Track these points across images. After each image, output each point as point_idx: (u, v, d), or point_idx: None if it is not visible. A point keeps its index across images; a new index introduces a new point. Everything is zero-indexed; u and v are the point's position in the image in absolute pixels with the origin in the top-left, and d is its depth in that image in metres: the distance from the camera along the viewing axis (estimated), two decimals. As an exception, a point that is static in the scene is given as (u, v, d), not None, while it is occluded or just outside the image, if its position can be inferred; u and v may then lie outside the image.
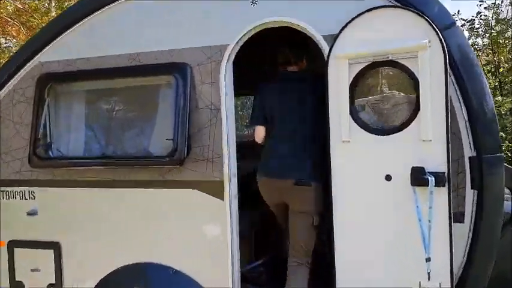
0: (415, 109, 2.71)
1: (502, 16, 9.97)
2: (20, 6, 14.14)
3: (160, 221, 3.29)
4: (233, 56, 3.19)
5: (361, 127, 2.83)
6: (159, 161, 3.27)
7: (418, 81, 2.68)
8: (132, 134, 3.48)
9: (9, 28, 13.92)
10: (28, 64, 3.65)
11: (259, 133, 3.30)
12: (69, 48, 3.54)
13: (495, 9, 9.84)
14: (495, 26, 9.71)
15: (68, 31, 3.54)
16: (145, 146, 3.41)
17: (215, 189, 3.18)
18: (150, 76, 3.37)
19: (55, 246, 3.57)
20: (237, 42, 3.16)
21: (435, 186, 2.61)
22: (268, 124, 3.24)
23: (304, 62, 3.38)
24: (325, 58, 2.92)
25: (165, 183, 3.31)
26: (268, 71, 3.75)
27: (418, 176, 2.66)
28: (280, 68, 3.39)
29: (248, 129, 6.23)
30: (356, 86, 2.84)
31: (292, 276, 3.18)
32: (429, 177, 2.62)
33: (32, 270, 3.66)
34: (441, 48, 2.64)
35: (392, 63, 2.75)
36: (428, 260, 2.63)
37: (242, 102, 8.43)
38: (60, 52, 3.57)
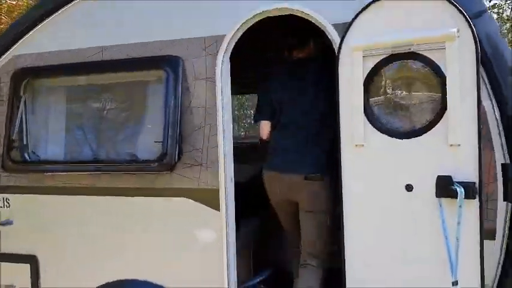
0: (441, 109, 2.35)
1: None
2: (13, 2, 13.77)
3: (149, 234, 2.97)
4: (231, 48, 2.82)
5: (378, 129, 2.47)
6: (147, 167, 2.91)
7: (445, 77, 2.31)
8: (117, 136, 3.12)
9: (1, 26, 13.55)
10: (1, 58, 3.27)
11: (265, 129, 3.08)
12: (45, 40, 3.17)
13: (497, 9, 9.58)
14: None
15: (44, 22, 3.17)
16: (132, 150, 3.04)
17: (210, 198, 2.85)
18: (137, 71, 3.01)
19: (32, 260, 3.24)
20: (235, 33, 2.79)
21: (465, 198, 2.25)
22: (276, 116, 3.01)
23: (311, 46, 3.07)
24: (336, 50, 2.56)
25: (153, 191, 2.96)
26: (273, 60, 3.41)
27: (445, 187, 2.30)
28: (286, 55, 3.11)
29: (246, 131, 5.86)
30: (372, 82, 2.48)
31: (301, 277, 2.98)
32: (458, 188, 2.26)
33: (7, 286, 3.31)
34: (472, 38, 2.27)
35: (414, 56, 2.38)
36: (455, 284, 2.26)
37: (240, 102, 8.08)
38: (34, 45, 3.20)
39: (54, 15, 3.18)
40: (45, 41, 3.18)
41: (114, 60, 3.04)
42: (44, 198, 3.22)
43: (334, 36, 2.59)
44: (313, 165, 2.89)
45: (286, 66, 3.12)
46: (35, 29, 3.22)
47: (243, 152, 3.52)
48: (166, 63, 2.89)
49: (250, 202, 3.63)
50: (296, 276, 3.09)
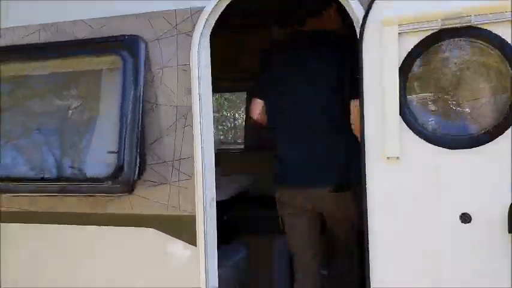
0: (515, 107, 1.64)
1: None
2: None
3: (102, 274, 2.28)
4: (211, 25, 2.08)
5: (420, 136, 1.76)
6: (97, 187, 2.14)
7: (520, 61, 1.61)
8: (59, 144, 2.32)
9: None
10: None
11: (256, 108, 2.47)
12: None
13: None
14: None
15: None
16: (78, 163, 2.25)
17: (183, 229, 2.15)
18: (85, 57, 2.23)
19: None
20: (218, 3, 2.05)
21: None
22: (275, 109, 2.42)
23: (325, 14, 2.40)
24: (358, 26, 1.84)
25: (106, 219, 2.23)
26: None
27: (523, 219, 1.59)
28: (290, 29, 2.54)
29: (230, 134, 5.21)
30: (411, 70, 1.76)
31: None
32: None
33: None
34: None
35: (474, 32, 1.68)
36: None
37: (218, 103, 7.26)
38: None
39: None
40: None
41: (55, 43, 2.30)
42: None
43: (354, 6, 1.87)
44: (339, 173, 2.30)
45: (291, 41, 2.50)
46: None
47: (225, 160, 3.04)
48: (122, 46, 2.15)
49: (235, 226, 2.91)
50: None
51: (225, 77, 4.00)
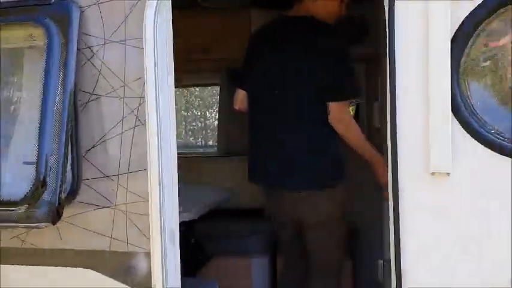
0: None
1: None
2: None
3: None
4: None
5: (483, 143, 1.19)
6: (12, 214, 1.51)
7: None
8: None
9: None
10: None
11: (237, 98, 2.28)
12: None
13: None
14: None
15: None
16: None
17: (133, 270, 1.55)
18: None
19: None
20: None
21: None
22: (251, 102, 2.24)
23: None
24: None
25: (26, 257, 1.54)
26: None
27: None
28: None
29: (200, 135, 4.74)
30: (466, 44, 1.20)
31: None
32: None
33: None
34: None
35: None
36: None
37: (186, 100, 6.63)
38: None
39: None
40: None
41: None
42: None
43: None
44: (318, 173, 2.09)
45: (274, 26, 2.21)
46: None
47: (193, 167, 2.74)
48: (46, 13, 1.52)
49: (205, 251, 2.58)
50: None
51: (194, 69, 3.44)
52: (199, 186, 2.90)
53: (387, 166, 1.96)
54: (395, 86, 1.25)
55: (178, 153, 1.62)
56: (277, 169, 2.07)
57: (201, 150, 4.03)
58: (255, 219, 2.77)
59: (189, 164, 3.31)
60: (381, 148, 2.36)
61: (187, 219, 2.09)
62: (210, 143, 4.31)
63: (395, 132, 1.25)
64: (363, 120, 3.26)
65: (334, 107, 1.95)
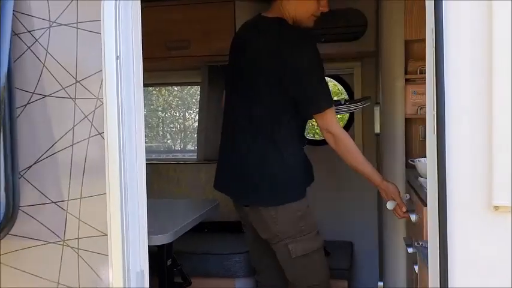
0: None
1: None
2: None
3: None
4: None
5: None
6: None
7: None
8: None
9: None
10: None
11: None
12: None
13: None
14: None
15: None
16: None
17: None
18: None
19: None
20: None
21: None
22: (225, 106, 2.15)
23: None
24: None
25: None
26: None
27: None
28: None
29: (178, 138, 4.51)
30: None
31: None
32: None
33: None
34: None
35: None
36: None
37: (164, 99, 6.18)
38: None
39: None
40: None
41: None
42: None
43: None
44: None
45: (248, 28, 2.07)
46: None
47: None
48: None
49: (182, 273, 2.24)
50: None
51: (173, 67, 3.12)
52: (176, 201, 2.60)
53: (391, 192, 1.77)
54: (444, 107, 0.93)
55: (153, 160, 1.28)
56: (230, 180, 2.00)
57: (180, 155, 3.68)
58: (238, 234, 2.48)
59: (166, 170, 3.01)
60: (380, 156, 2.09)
61: (160, 244, 1.78)
62: (189, 147, 3.95)
63: (440, 161, 0.92)
64: (358, 125, 3.00)
65: (317, 119, 1.85)
